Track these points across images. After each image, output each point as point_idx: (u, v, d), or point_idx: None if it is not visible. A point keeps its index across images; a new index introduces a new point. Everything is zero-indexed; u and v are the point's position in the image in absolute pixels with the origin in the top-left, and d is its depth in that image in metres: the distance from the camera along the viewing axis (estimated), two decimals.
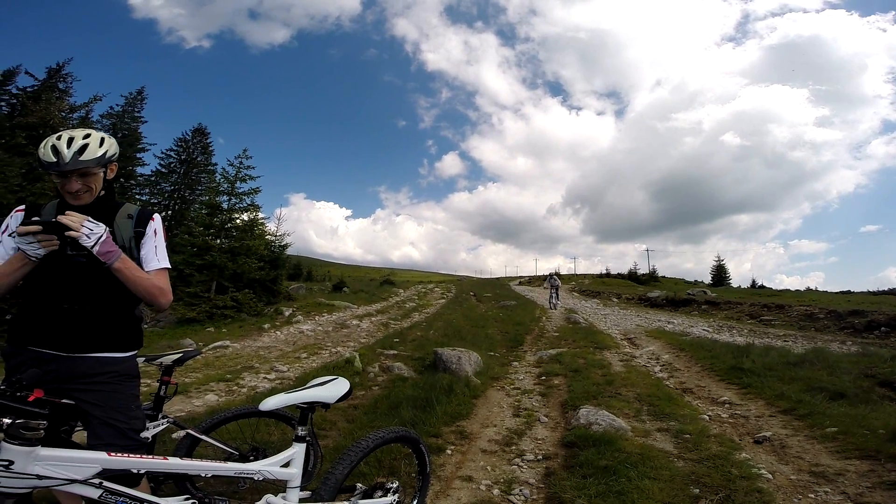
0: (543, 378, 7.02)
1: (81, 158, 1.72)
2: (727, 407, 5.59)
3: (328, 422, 4.66)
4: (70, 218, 1.63)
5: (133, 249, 1.86)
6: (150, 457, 1.69)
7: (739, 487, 3.14)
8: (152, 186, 25.08)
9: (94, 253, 1.66)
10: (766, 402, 5.59)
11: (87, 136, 1.79)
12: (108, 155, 1.81)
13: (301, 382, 5.31)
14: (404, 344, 9.85)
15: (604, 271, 48.23)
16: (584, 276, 49.23)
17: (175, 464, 1.76)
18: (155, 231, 1.91)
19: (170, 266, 1.95)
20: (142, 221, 1.90)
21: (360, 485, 2.32)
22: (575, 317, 15.62)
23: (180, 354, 2.62)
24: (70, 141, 1.74)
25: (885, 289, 27.57)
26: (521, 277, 55.46)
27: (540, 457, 3.97)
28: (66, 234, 1.61)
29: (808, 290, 30.71)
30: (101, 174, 1.84)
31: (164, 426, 2.48)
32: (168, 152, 26.07)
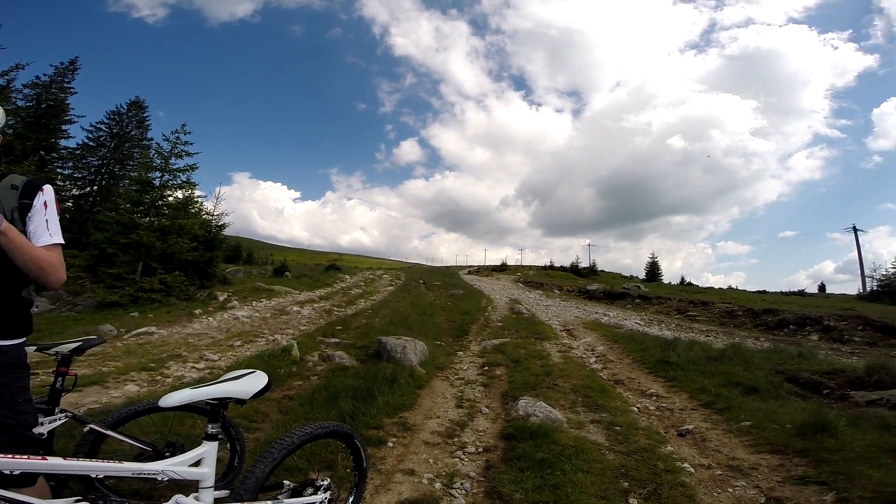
0: (486, 368, 7.11)
1: None
2: (654, 399, 5.90)
3: (260, 413, 4.47)
4: None
5: (18, 222, 1.63)
6: (25, 457, 1.49)
7: (665, 481, 3.29)
8: (77, 160, 22.80)
9: None
10: (689, 395, 5.93)
11: None
12: None
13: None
14: (347, 332, 9.64)
15: (548, 263, 49.74)
16: (530, 267, 50.60)
17: (56, 464, 1.57)
18: (45, 203, 1.69)
19: (63, 242, 1.73)
20: (29, 192, 1.67)
21: (287, 482, 2.22)
22: (519, 307, 16.01)
23: (79, 343, 2.38)
24: None
25: (795, 290, 30.55)
26: (470, 267, 56.20)
27: (481, 449, 3.99)
28: None
29: (730, 288, 33.44)
30: None
31: (62, 421, 2.29)
32: (98, 125, 23.78)
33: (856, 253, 33.22)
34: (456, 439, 4.22)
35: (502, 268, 48.30)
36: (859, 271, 31.26)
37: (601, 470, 3.41)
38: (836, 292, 32.54)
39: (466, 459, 3.77)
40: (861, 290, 28.81)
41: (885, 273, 26.15)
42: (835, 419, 4.19)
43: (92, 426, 2.30)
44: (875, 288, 26.15)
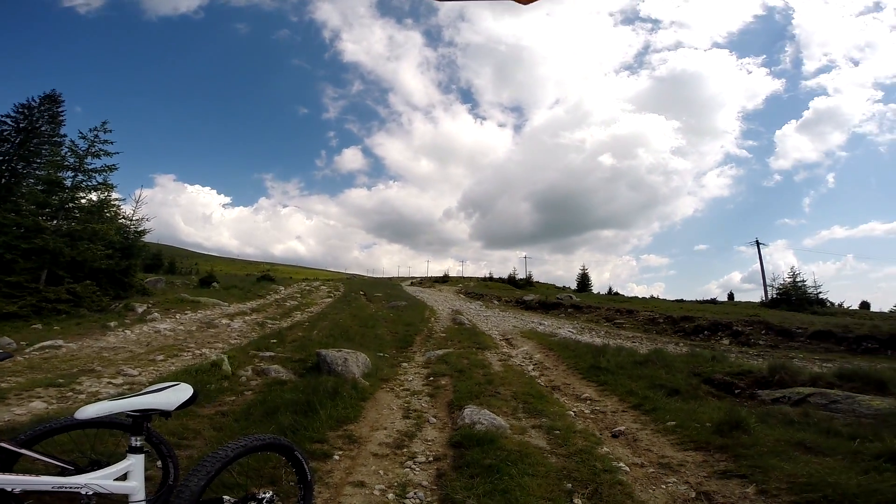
0: (431, 379, 7.13)
1: None
2: (588, 403, 6.21)
3: (191, 430, 4.20)
4: None
5: None
6: None
7: (604, 481, 3.48)
8: None
9: None
10: (619, 398, 6.31)
11: None
12: None
13: None
14: (283, 345, 9.25)
15: (488, 275, 50.82)
16: (471, 279, 51.40)
17: None
18: None
19: None
20: None
21: (227, 497, 2.13)
22: (460, 318, 16.22)
23: None
24: None
25: (708, 298, 33.41)
26: (412, 278, 56.03)
27: (431, 458, 4.00)
28: None
29: (652, 297, 35.78)
30: None
31: None
32: (3, 118, 21.15)
33: (759, 264, 37.07)
34: (405, 449, 4.19)
35: (444, 279, 48.69)
36: (762, 281, 34.77)
37: (545, 472, 3.54)
38: (743, 300, 36.18)
39: (417, 469, 3.76)
40: (763, 298, 31.91)
41: (782, 283, 29.36)
42: (746, 417, 4.62)
43: (2, 444, 2.05)
44: (775, 296, 29.22)
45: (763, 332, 14.48)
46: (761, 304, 29.06)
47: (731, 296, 39.58)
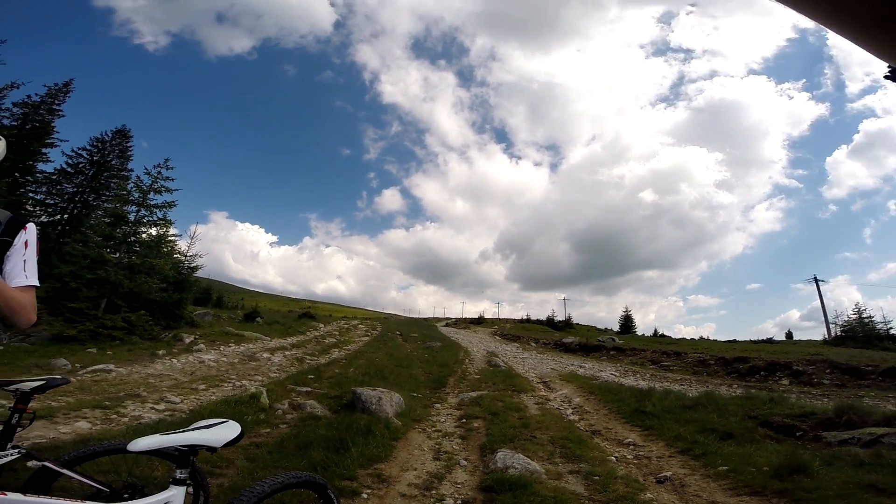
0: (464, 421, 6.96)
1: None
2: (632, 448, 5.85)
3: (225, 460, 4.26)
4: None
5: None
6: None
7: None
8: (51, 186, 22.02)
9: None
10: (665, 442, 5.92)
11: None
12: None
13: (196, 416, 4.82)
14: (320, 381, 9.34)
15: (525, 317, 49.91)
16: (507, 320, 50.57)
17: (14, 500, 1.50)
18: (26, 243, 1.64)
19: (38, 284, 1.67)
20: (11, 230, 1.62)
21: None
22: (496, 360, 15.89)
23: (42, 381, 2.25)
24: None
25: (764, 338, 31.26)
26: (448, 319, 55.84)
27: (459, 501, 3.86)
28: None
29: (702, 338, 33.92)
30: None
31: (14, 457, 2.13)
32: (80, 151, 23.19)
33: (819, 301, 34.69)
34: (434, 491, 4.07)
35: (479, 321, 48.15)
36: (823, 319, 32.48)
37: None
38: (803, 339, 33.52)
39: None
40: (826, 336, 29.76)
41: (846, 319, 27.28)
42: (809, 459, 4.26)
43: (46, 463, 2.15)
44: (839, 333, 27.16)
45: (827, 371, 13.32)
46: (824, 343, 27.00)
47: (789, 335, 36.86)
